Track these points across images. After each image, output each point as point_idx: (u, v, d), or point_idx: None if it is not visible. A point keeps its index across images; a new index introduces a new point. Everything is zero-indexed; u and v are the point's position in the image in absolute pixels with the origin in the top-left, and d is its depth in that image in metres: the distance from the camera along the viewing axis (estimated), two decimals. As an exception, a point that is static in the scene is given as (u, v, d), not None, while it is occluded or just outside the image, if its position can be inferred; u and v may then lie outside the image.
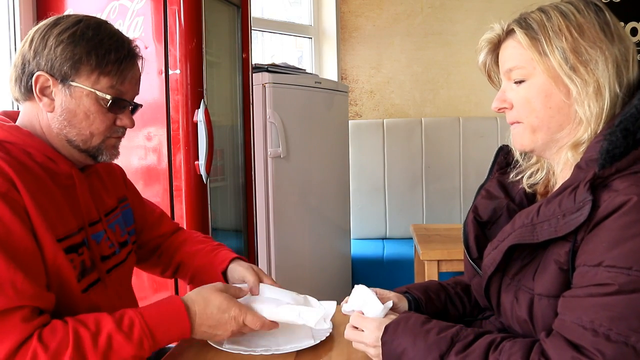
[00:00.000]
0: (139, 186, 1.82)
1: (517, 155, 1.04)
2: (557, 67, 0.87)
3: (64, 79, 1.00)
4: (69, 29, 1.00)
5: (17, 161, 0.95)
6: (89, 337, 0.88)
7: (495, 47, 0.98)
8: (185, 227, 1.81)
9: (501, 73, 0.96)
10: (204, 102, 1.82)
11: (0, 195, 0.88)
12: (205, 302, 1.02)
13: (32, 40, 1.01)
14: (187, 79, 1.80)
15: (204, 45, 1.83)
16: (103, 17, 1.85)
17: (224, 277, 1.25)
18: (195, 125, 1.81)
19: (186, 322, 0.99)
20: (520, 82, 0.92)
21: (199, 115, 1.79)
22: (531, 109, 0.91)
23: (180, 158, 1.82)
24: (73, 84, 1.00)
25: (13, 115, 1.07)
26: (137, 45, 1.08)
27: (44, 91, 1.01)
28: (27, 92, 1.02)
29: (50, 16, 1.07)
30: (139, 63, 1.08)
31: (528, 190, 1.01)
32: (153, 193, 1.85)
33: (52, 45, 0.99)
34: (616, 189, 0.78)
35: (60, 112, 1.02)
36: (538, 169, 1.01)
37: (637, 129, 0.80)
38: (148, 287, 1.83)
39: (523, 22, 0.91)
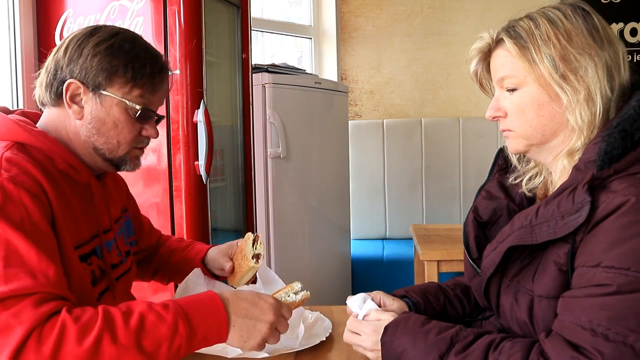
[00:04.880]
0: (139, 187, 1.83)
1: (514, 160, 1.04)
2: (547, 75, 0.87)
3: (95, 88, 1.01)
4: (106, 40, 1.02)
5: (40, 166, 0.96)
6: (119, 315, 0.84)
7: (486, 55, 0.98)
8: (184, 227, 1.82)
9: (494, 81, 0.97)
10: (204, 102, 1.82)
11: (32, 195, 0.89)
12: (235, 292, 0.97)
13: (67, 48, 1.02)
14: (187, 79, 1.80)
15: (203, 46, 1.83)
16: (103, 17, 1.89)
17: (205, 267, 1.28)
18: (195, 125, 1.81)
19: (219, 304, 0.91)
20: (513, 90, 0.92)
21: (199, 116, 1.80)
22: (525, 118, 0.91)
23: (180, 158, 1.82)
24: (104, 93, 1.02)
25: (32, 117, 1.08)
26: (167, 60, 1.11)
27: (74, 98, 1.02)
28: (57, 98, 1.03)
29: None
30: (168, 77, 1.11)
31: (528, 194, 1.01)
32: (153, 193, 1.85)
33: (88, 54, 1.01)
34: (614, 190, 0.78)
35: (90, 120, 1.03)
36: (536, 174, 1.01)
37: (635, 130, 0.80)
38: (147, 288, 1.83)
39: (512, 31, 0.91)
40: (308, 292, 1.05)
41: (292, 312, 1.00)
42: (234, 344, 0.92)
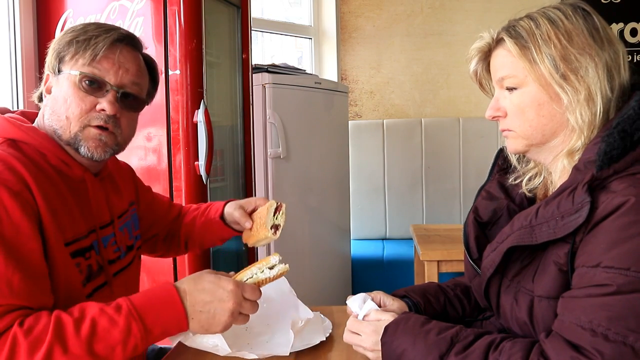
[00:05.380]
0: (139, 187, 1.83)
1: (513, 161, 1.04)
2: (548, 75, 0.87)
3: (57, 73, 1.04)
4: (68, 30, 1.05)
5: (31, 162, 0.95)
6: (71, 323, 0.84)
7: (486, 55, 0.98)
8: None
9: (493, 81, 0.97)
10: (204, 102, 1.82)
11: (14, 194, 0.88)
12: (195, 279, 0.94)
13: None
14: (187, 80, 1.80)
15: (204, 46, 1.83)
16: (103, 17, 1.89)
17: (224, 223, 1.29)
18: (195, 125, 1.81)
19: (176, 299, 0.90)
20: (513, 89, 0.92)
21: (199, 116, 1.80)
22: (525, 118, 0.91)
23: (180, 158, 1.82)
24: (60, 73, 1.03)
25: (31, 117, 1.09)
26: (131, 34, 1.08)
27: (49, 90, 1.05)
28: (43, 95, 1.08)
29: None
30: (131, 50, 1.06)
31: (528, 194, 1.02)
32: (153, 193, 1.85)
33: (51, 46, 1.05)
34: (614, 190, 0.78)
35: (50, 103, 1.04)
36: (536, 174, 1.01)
37: (634, 130, 0.80)
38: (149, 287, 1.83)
39: (512, 31, 0.91)
40: (286, 266, 1.00)
41: (258, 291, 0.97)
42: (196, 332, 0.94)
